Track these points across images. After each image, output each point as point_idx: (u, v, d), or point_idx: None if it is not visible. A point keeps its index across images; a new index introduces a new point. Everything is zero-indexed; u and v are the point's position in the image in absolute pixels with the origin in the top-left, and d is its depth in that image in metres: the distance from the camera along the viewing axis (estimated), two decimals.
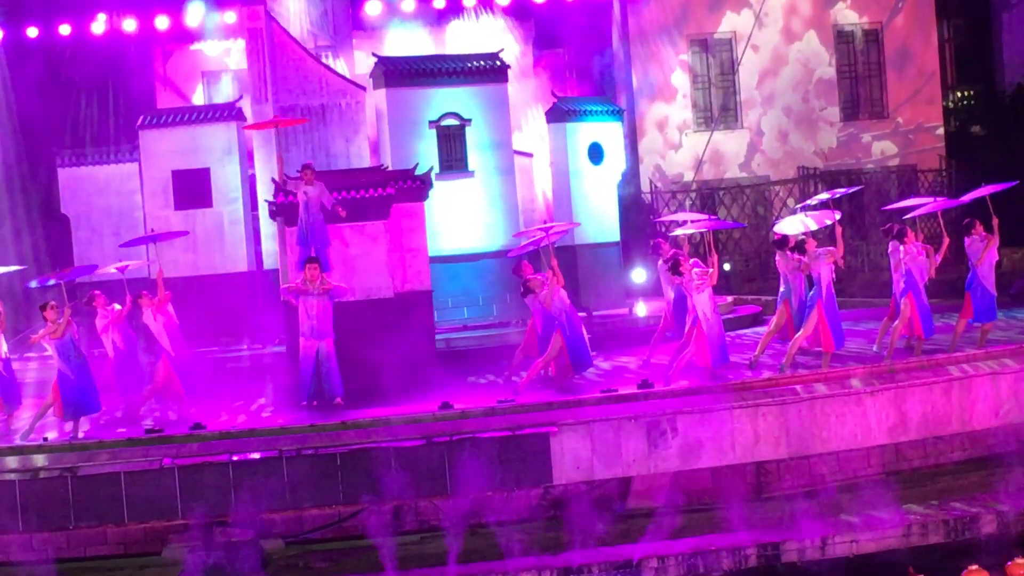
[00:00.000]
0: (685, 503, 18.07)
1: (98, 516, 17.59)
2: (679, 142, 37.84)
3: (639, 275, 30.59)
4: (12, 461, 18.09)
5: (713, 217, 25.82)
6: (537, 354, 21.07)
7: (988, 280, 21.21)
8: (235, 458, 17.79)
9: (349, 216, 21.49)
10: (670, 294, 22.25)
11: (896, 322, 20.95)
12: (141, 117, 27.48)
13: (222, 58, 31.90)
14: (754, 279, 34.74)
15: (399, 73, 27.71)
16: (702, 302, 20.17)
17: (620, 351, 24.11)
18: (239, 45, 30.01)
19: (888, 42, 38.85)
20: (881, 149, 38.79)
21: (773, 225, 26.25)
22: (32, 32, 30.31)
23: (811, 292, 20.52)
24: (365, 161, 27.62)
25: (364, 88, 28.44)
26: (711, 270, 20.35)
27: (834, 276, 20.36)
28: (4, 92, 30.66)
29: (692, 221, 23.59)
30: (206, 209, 27.08)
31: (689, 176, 37.30)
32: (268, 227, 27.16)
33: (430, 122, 27.63)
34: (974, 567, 15.46)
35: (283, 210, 21.64)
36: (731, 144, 38.04)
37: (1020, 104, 39.92)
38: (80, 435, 19.08)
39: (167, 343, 20.43)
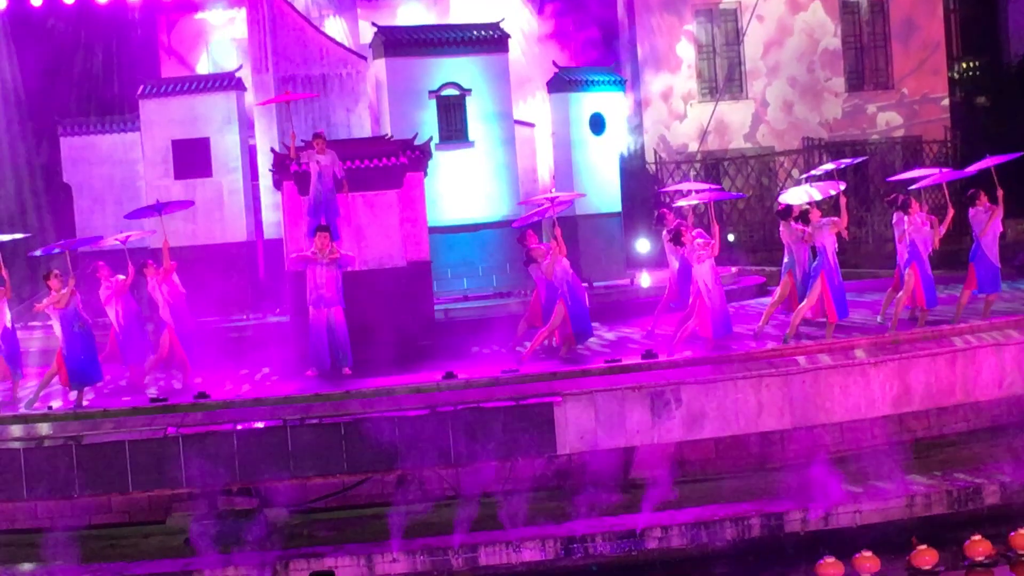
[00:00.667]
0: (688, 473, 18.10)
1: (102, 485, 17.58)
2: (684, 113, 37.78)
3: (643, 245, 30.61)
4: (17, 430, 18.08)
5: (715, 187, 25.74)
6: (541, 324, 21.08)
7: (992, 251, 21.17)
8: (239, 427, 17.79)
9: (361, 186, 21.50)
10: (675, 264, 22.22)
11: (900, 293, 20.94)
12: (141, 86, 27.42)
13: (226, 27, 31.78)
14: (758, 250, 34.73)
15: (399, 42, 27.63)
16: (703, 272, 20.13)
17: (621, 322, 24.10)
18: (243, 14, 29.90)
19: (893, 12, 38.73)
20: (886, 120, 38.72)
21: (778, 196, 26.21)
22: (36, 0, 30.18)
23: (815, 263, 20.50)
24: (366, 131, 27.56)
25: (365, 58, 28.35)
26: (712, 241, 20.32)
27: (837, 247, 20.32)
28: (8, 61, 30.60)
29: (696, 192, 23.55)
30: (206, 179, 27.05)
31: (694, 146, 37.26)
32: (268, 197, 27.16)
33: (430, 92, 27.56)
34: (977, 537, 15.51)
35: (298, 180, 21.64)
36: (736, 115, 37.97)
37: None
38: (84, 404, 19.09)
39: (168, 314, 20.41)
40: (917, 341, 20.10)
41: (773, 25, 38.04)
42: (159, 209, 21.46)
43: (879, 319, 21.59)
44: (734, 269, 29.92)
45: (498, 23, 28.28)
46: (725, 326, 20.43)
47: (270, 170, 24.31)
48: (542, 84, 30.21)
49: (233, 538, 16.25)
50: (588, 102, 29.50)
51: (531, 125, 29.98)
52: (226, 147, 27.16)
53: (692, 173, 36.19)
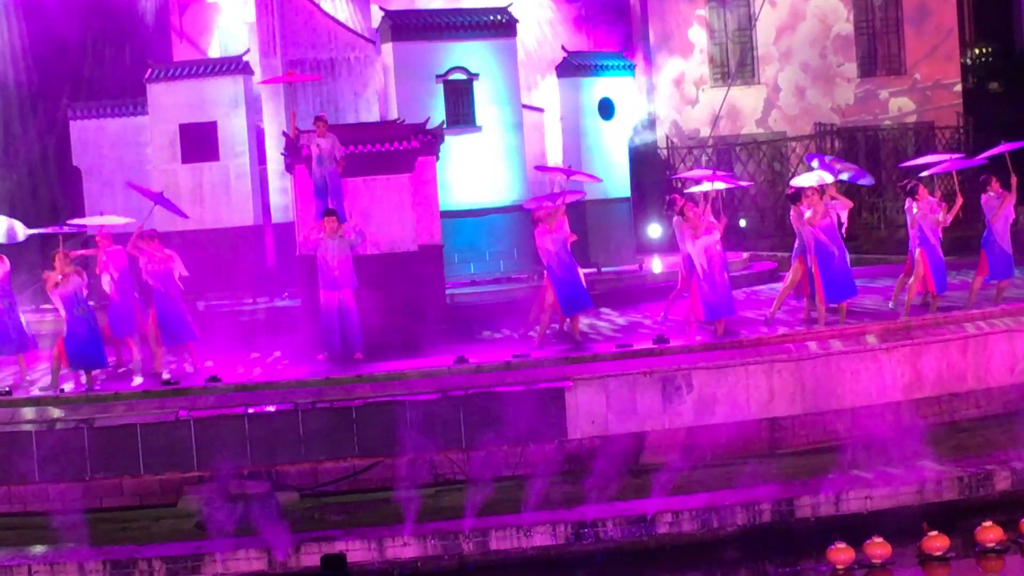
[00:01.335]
0: (699, 458, 18.09)
1: (114, 468, 17.62)
2: (696, 97, 37.71)
3: (655, 231, 30.55)
4: (29, 412, 18.15)
5: (720, 172, 25.61)
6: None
7: (1004, 237, 21.15)
8: (251, 411, 17.83)
9: (373, 170, 21.47)
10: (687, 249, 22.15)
11: (912, 279, 20.90)
12: (149, 70, 27.35)
13: (237, 9, 31.73)
14: (770, 235, 34.67)
15: (406, 27, 27.56)
16: (698, 252, 20.03)
17: (631, 308, 24.08)
18: None
19: None
20: (898, 106, 38.60)
21: (789, 181, 26.14)
22: None
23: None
24: (374, 115, 27.50)
25: (373, 42, 28.27)
26: (709, 221, 20.23)
27: (837, 229, 20.31)
28: (20, 43, 30.59)
29: (706, 178, 23.48)
30: (213, 163, 27.01)
31: (705, 132, 37.18)
32: (276, 181, 27.14)
33: (437, 76, 27.51)
34: (988, 523, 15.49)
35: (309, 163, 21.62)
36: (748, 100, 37.87)
37: None
38: (94, 387, 19.10)
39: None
40: (929, 327, 20.08)
41: (785, 10, 37.93)
42: (158, 199, 21.36)
43: (891, 305, 21.57)
44: (746, 255, 29.88)
45: (506, 7, 28.21)
46: (722, 308, 20.22)
47: (282, 153, 24.28)
48: (552, 69, 30.15)
49: (244, 521, 16.26)
50: (598, 87, 29.43)
51: (540, 110, 29.92)
52: (233, 131, 27.11)
53: (704, 158, 36.12)
